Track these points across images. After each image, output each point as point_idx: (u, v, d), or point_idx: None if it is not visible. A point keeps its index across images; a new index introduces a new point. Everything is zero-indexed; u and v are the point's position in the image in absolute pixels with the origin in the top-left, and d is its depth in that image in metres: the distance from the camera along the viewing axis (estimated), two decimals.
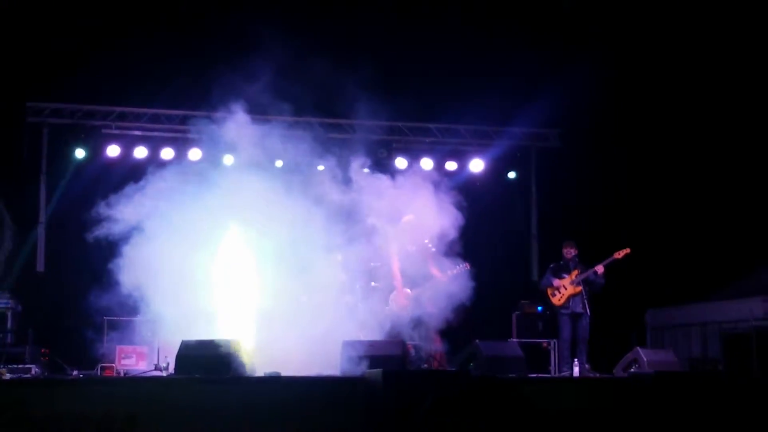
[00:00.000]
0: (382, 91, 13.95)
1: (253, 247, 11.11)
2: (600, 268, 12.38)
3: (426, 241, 11.55)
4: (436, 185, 11.92)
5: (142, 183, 11.29)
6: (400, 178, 12.02)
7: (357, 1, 13.94)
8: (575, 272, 12.55)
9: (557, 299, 12.62)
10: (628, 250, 12.35)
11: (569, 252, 12.73)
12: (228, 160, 13.45)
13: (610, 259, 12.40)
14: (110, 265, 10.77)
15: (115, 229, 10.91)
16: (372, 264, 12.39)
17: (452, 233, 11.58)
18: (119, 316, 11.83)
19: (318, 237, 11.19)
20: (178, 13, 13.27)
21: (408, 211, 11.64)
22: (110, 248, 10.89)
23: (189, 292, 10.92)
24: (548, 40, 14.46)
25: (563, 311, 12.55)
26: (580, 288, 12.45)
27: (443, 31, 14.26)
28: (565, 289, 12.55)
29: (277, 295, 10.98)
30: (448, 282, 11.47)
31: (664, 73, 14.85)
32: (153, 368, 10.41)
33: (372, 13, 13.74)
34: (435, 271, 11.56)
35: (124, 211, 10.99)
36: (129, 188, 11.20)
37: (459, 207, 11.75)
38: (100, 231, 10.94)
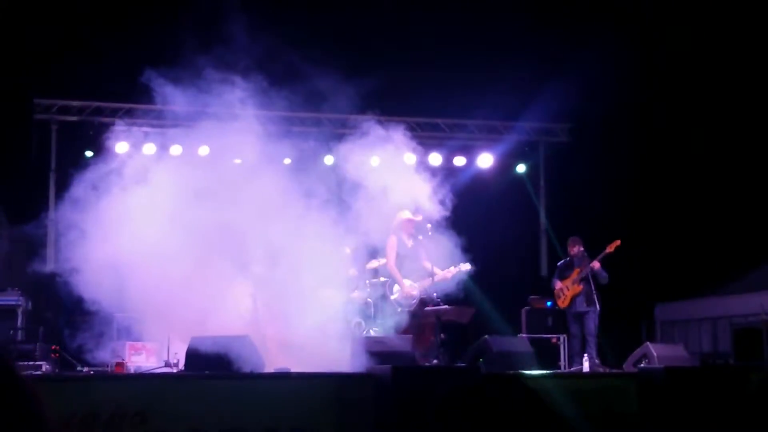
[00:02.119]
0: (390, 87, 13.95)
1: (258, 243, 11.12)
2: (596, 264, 12.40)
3: (420, 237, 11.56)
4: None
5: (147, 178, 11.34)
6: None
7: None
8: (576, 271, 12.56)
9: (561, 302, 12.71)
10: (618, 242, 12.37)
11: (574, 249, 12.72)
12: (236, 157, 13.48)
13: (602, 254, 12.41)
14: (117, 262, 10.80)
15: (119, 225, 10.94)
16: (370, 263, 12.43)
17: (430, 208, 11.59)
18: (129, 312, 11.85)
19: (325, 231, 11.21)
20: (185, 11, 13.27)
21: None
22: (118, 245, 10.91)
23: (195, 287, 10.94)
24: (556, 34, 14.42)
25: (569, 311, 12.60)
26: (581, 287, 12.45)
27: (451, 25, 14.23)
28: (567, 290, 12.59)
29: (283, 290, 11.00)
30: (449, 280, 11.48)
31: (675, 66, 14.79)
32: (163, 365, 10.41)
33: (379, 9, 13.72)
34: (428, 265, 11.54)
35: (128, 207, 11.04)
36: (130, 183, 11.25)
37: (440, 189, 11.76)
38: (105, 227, 10.98)
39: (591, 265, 12.41)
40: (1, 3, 13.00)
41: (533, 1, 14.42)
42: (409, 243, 11.70)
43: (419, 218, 11.62)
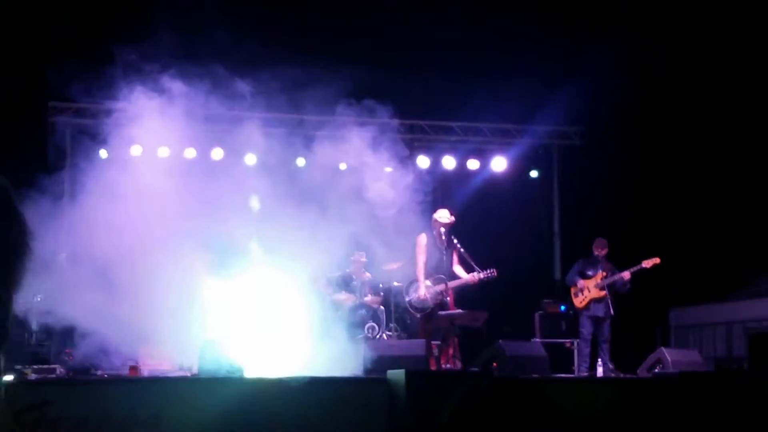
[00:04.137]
0: (404, 90, 13.94)
1: (276, 251, 11.17)
2: (626, 275, 12.26)
3: (455, 241, 11.43)
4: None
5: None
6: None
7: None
8: (601, 275, 12.42)
9: (579, 301, 12.55)
10: (657, 260, 12.18)
11: (600, 250, 12.59)
12: (250, 160, 13.56)
13: (637, 268, 12.25)
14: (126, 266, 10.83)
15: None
16: (385, 266, 12.42)
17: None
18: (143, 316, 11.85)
19: (342, 236, 11.24)
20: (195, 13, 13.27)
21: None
22: (130, 249, 10.93)
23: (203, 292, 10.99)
24: (569, 37, 14.39)
25: (585, 312, 12.49)
26: (604, 293, 12.31)
27: (465, 28, 14.22)
28: (588, 291, 12.45)
29: (300, 296, 11.03)
30: (475, 285, 11.34)
31: (689, 69, 14.73)
32: (177, 368, 10.43)
33: (393, 10, 13.72)
34: (460, 271, 11.39)
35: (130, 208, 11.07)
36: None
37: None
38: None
39: (621, 275, 12.28)
40: (11, 5, 13.01)
41: (546, 3, 14.38)
42: (439, 244, 11.53)
43: (452, 220, 11.45)
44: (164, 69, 11.51)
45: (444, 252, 11.32)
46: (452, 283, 11.17)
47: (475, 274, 11.12)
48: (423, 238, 11.39)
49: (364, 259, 12.58)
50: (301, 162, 13.96)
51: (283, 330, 10.83)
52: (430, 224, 11.51)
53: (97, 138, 14.17)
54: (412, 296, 11.41)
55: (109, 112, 14.88)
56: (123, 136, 12.45)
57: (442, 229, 11.29)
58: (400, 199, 11.70)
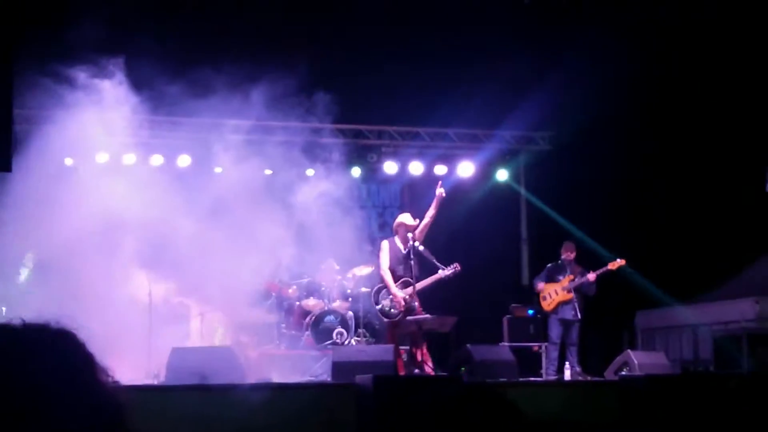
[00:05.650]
0: (371, 95, 13.95)
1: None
2: (592, 276, 12.35)
3: (418, 244, 11.35)
4: None
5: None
6: None
7: (348, 5, 13.89)
8: (568, 278, 12.50)
9: (547, 304, 12.62)
10: (622, 262, 12.30)
11: (567, 254, 12.65)
12: (216, 168, 13.50)
13: (603, 270, 12.36)
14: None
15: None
16: (350, 273, 12.43)
17: None
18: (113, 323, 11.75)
19: (312, 245, 11.23)
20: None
21: None
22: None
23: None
24: (538, 42, 14.45)
25: (554, 315, 12.57)
26: (571, 295, 12.39)
27: (432, 34, 14.24)
28: (556, 294, 12.52)
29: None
30: (442, 285, 11.30)
31: (656, 74, 14.84)
32: (144, 376, 10.35)
33: (362, 17, 13.72)
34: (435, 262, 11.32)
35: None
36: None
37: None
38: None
39: (587, 276, 12.36)
40: None
41: (514, 11, 14.43)
42: (404, 248, 11.42)
43: (415, 222, 11.35)
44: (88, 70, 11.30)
45: (409, 256, 11.25)
46: (419, 285, 11.11)
47: (441, 272, 11.09)
48: (385, 244, 11.38)
49: (336, 267, 12.55)
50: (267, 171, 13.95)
51: (244, 335, 10.81)
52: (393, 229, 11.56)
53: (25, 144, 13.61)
54: (383, 303, 11.32)
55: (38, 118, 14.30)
56: (53, 142, 12.15)
57: (409, 234, 11.21)
58: (364, 204, 11.74)
